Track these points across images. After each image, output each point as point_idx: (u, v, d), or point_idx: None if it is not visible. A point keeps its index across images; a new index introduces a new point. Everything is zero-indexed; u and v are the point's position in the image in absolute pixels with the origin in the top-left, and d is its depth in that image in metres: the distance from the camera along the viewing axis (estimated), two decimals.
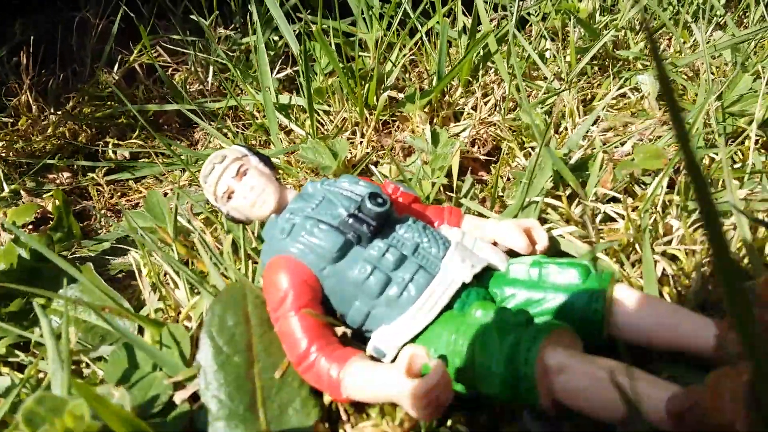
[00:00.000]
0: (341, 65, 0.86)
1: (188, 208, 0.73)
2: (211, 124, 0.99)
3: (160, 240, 0.66)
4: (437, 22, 1.04)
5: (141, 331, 0.57)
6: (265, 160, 0.58)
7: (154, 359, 0.50)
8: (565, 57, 0.96)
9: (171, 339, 0.52)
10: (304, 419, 0.48)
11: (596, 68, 1.00)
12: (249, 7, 1.27)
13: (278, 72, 1.06)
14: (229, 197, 0.56)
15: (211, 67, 1.11)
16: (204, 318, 0.51)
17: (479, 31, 0.95)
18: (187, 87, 1.12)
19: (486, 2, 1.20)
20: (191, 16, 1.15)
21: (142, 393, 0.48)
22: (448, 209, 0.61)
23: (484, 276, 0.54)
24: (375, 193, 0.52)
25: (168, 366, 0.49)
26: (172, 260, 0.59)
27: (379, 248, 0.51)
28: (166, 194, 0.91)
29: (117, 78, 1.10)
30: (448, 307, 0.49)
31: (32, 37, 1.04)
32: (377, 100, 0.89)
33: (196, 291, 0.59)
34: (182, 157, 0.89)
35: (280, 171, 0.81)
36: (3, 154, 0.93)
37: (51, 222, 0.79)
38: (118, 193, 0.93)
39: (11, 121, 1.00)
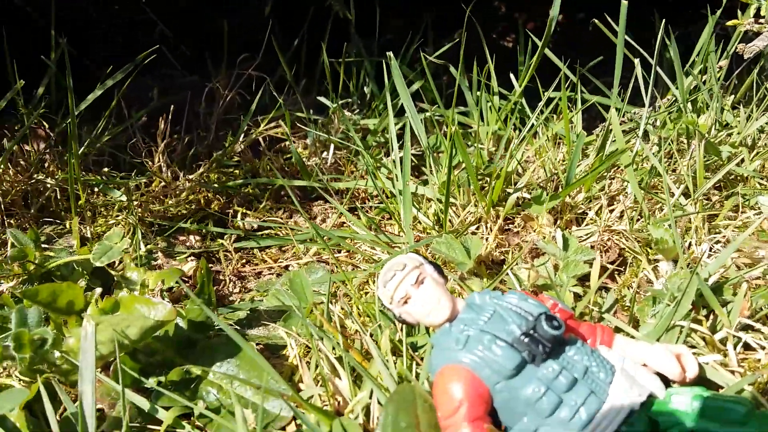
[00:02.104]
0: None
1: (340, 295, 0.76)
2: (329, 200, 1.04)
3: (314, 322, 0.69)
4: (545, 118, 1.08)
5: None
6: (439, 270, 0.61)
7: None
8: (690, 173, 0.97)
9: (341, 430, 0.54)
10: None
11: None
12: (365, 89, 1.34)
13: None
14: (405, 302, 0.59)
15: (331, 146, 1.17)
16: (375, 415, 0.53)
17: (611, 138, 0.98)
18: (304, 162, 1.17)
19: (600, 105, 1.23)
20: (319, 98, 1.21)
21: None
22: (600, 328, 0.62)
23: (645, 402, 0.55)
24: (550, 315, 0.55)
25: None
26: (337, 347, 0.61)
27: (552, 369, 0.52)
28: (287, 267, 0.95)
29: (243, 147, 1.16)
30: None
31: (172, 107, 1.11)
32: (498, 194, 0.92)
33: (356, 383, 0.61)
34: (311, 235, 0.94)
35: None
36: (140, 215, 0.98)
37: (180, 287, 0.83)
38: (243, 260, 0.97)
39: (145, 181, 1.06)
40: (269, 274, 0.95)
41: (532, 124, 1.06)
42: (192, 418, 0.61)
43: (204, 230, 1.01)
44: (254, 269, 0.96)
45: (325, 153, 1.20)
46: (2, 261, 0.77)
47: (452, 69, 1.22)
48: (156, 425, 0.61)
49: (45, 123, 1.06)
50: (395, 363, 0.64)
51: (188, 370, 0.65)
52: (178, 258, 0.94)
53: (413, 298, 0.59)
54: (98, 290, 0.75)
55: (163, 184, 1.06)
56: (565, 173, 0.92)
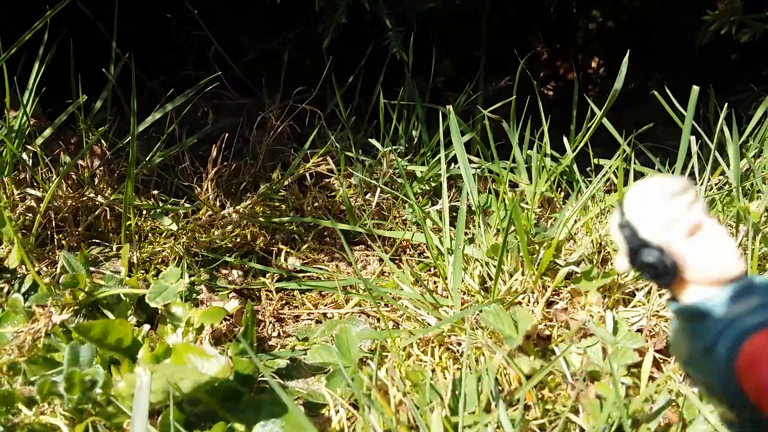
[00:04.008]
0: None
1: (380, 351, 0.75)
2: (373, 247, 1.03)
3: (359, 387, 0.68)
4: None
5: None
6: None
7: None
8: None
9: None
10: None
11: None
12: (413, 132, 1.34)
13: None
14: (691, 233, 0.41)
15: (377, 190, 1.16)
16: None
17: None
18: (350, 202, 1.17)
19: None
20: (370, 140, 1.22)
21: None
22: None
23: None
24: None
25: None
26: (385, 418, 0.60)
27: None
28: (326, 314, 0.94)
29: (290, 181, 1.16)
30: None
31: (225, 135, 1.12)
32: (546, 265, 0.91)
33: None
34: (353, 284, 0.93)
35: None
36: (186, 244, 0.98)
37: (221, 327, 0.83)
38: (283, 301, 0.97)
39: (192, 209, 1.06)
40: (308, 319, 0.95)
41: (583, 192, 1.06)
42: None
43: (246, 266, 1.00)
44: (293, 312, 0.96)
45: (369, 195, 1.19)
46: (53, 285, 0.77)
47: (505, 125, 1.21)
48: None
49: (103, 141, 1.06)
50: None
51: (232, 426, 0.65)
52: (219, 294, 0.93)
53: (705, 230, 0.40)
54: (146, 327, 0.74)
55: (209, 213, 1.06)
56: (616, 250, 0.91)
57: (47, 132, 0.98)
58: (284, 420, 0.65)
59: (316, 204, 1.15)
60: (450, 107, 1.03)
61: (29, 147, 0.96)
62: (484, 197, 1.08)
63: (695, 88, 0.97)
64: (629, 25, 1.99)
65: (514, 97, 1.17)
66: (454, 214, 1.11)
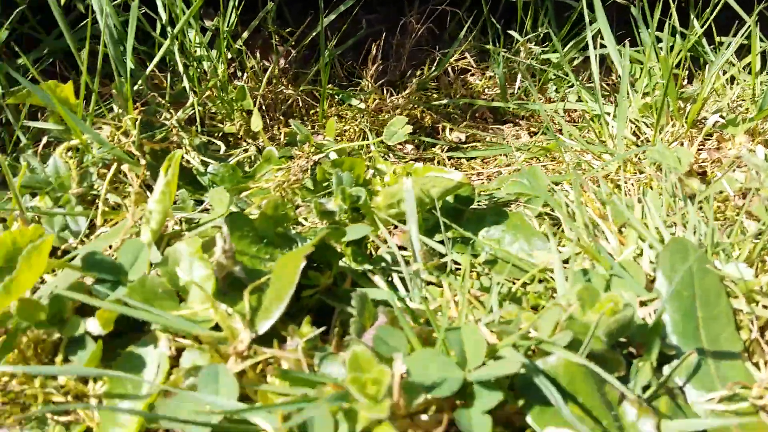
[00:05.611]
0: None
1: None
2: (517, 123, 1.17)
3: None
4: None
5: None
6: None
7: None
8: None
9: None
10: (732, 346, 0.62)
11: None
12: (539, 28, 1.44)
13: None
14: None
15: (519, 75, 1.29)
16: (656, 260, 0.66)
17: None
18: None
19: None
20: (509, 32, 1.34)
21: None
22: None
23: None
24: None
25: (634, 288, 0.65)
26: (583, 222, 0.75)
27: None
28: (493, 174, 1.09)
29: (436, 74, 1.30)
30: None
31: (384, 33, 1.26)
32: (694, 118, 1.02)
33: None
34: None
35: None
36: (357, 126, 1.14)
37: None
38: (454, 168, 1.12)
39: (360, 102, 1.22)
40: (478, 180, 1.10)
41: (718, 57, 1.15)
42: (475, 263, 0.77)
43: (417, 140, 1.16)
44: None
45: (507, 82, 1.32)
46: (289, 143, 0.95)
47: (633, 10, 1.31)
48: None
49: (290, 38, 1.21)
50: None
51: (461, 233, 0.81)
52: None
53: None
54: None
55: (376, 101, 1.21)
56: (757, 100, 1.02)
57: (245, 34, 1.15)
58: (505, 225, 0.81)
59: (462, 92, 1.29)
60: None
61: (234, 46, 1.13)
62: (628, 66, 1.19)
63: None
64: None
65: None
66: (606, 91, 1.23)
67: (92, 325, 0.60)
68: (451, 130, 1.19)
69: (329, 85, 1.24)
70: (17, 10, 0.93)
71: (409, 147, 1.15)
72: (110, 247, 0.70)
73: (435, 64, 1.32)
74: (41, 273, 0.59)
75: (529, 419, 0.53)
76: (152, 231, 0.66)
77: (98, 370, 0.55)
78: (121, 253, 0.64)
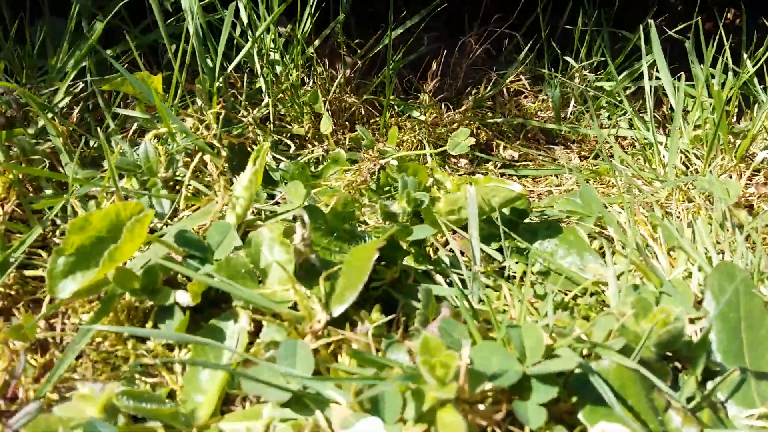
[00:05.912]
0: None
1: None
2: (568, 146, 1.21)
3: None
4: None
5: None
6: None
7: None
8: None
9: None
10: None
11: None
12: (592, 56, 1.49)
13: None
14: None
15: (572, 100, 1.34)
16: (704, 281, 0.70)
17: None
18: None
19: None
20: (566, 57, 1.39)
21: None
22: None
23: None
24: None
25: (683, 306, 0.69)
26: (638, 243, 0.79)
27: None
28: (544, 193, 1.13)
29: (490, 93, 1.35)
30: None
31: (443, 51, 1.32)
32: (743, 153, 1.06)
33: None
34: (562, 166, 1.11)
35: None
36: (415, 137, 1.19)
37: None
38: None
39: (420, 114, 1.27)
40: (530, 197, 1.14)
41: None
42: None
43: (470, 155, 1.21)
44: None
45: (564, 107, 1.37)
46: (351, 148, 1.00)
47: (687, 45, 1.35)
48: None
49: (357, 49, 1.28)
50: None
51: (516, 243, 0.85)
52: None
53: None
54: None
55: (433, 115, 1.26)
56: None
57: (316, 42, 1.22)
58: (558, 239, 0.85)
59: (515, 112, 1.34)
60: (651, 20, 1.18)
61: (306, 52, 1.20)
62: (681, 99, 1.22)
63: None
64: None
65: (697, 18, 1.30)
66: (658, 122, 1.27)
67: (181, 297, 0.65)
68: (504, 147, 1.24)
69: (391, 96, 1.30)
70: (117, 6, 1.00)
71: (464, 161, 1.20)
72: (197, 228, 0.76)
73: (491, 83, 1.37)
74: (140, 244, 0.65)
75: (580, 416, 0.57)
76: (237, 215, 0.72)
77: (187, 335, 0.61)
78: (209, 234, 0.69)
